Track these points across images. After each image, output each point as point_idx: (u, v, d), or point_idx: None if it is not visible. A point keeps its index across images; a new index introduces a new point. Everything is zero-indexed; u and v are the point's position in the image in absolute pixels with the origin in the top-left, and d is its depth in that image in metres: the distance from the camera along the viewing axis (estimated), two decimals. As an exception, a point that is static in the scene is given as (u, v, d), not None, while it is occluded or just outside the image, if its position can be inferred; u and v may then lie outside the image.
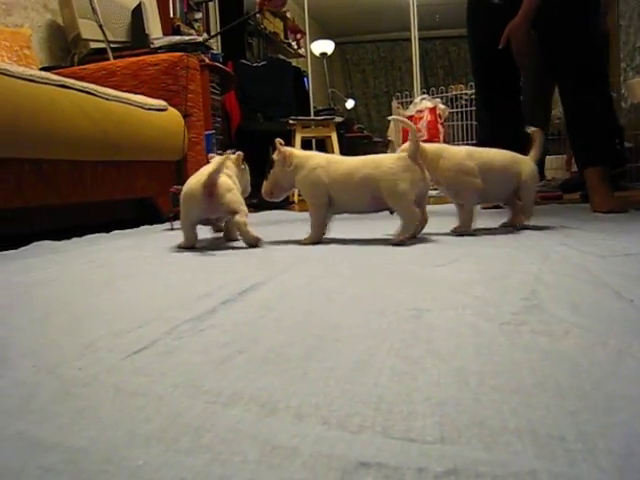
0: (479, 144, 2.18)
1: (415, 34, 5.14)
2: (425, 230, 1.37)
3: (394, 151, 4.76)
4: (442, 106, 3.78)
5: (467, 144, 4.18)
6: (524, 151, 1.48)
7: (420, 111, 3.75)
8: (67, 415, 0.41)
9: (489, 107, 2.18)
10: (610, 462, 0.31)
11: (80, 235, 1.66)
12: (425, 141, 3.65)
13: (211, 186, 1.26)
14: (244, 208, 1.31)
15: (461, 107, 4.22)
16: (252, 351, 0.53)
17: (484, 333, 0.56)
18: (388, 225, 1.39)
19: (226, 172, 1.34)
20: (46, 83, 1.60)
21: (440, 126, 3.71)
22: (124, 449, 0.35)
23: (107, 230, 1.79)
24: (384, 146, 6.58)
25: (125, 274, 1.03)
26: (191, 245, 1.35)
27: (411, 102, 4.02)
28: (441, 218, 1.60)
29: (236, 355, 0.52)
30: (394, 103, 4.39)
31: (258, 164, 2.03)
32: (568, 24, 1.87)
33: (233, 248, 1.33)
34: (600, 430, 0.35)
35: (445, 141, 3.80)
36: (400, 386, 0.43)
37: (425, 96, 3.93)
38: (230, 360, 0.51)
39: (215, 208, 1.30)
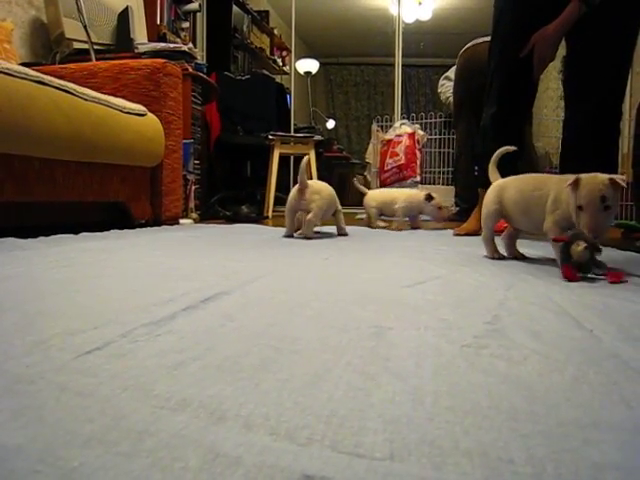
0: (476, 159, 2.12)
1: (399, 60, 5.23)
2: (395, 253, 1.38)
3: (370, 173, 4.79)
4: (421, 132, 3.82)
5: (441, 171, 4.28)
6: (516, 171, 1.40)
7: (399, 135, 3.79)
8: (6, 412, 0.39)
9: (500, 120, 2.04)
10: (556, 486, 0.31)
11: (47, 235, 1.62)
12: (403, 165, 3.71)
13: None
14: None
15: (438, 134, 4.29)
16: (207, 359, 0.52)
17: (444, 354, 0.56)
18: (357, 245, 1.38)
19: None
20: (23, 78, 1.57)
21: (418, 152, 3.75)
22: (61, 449, 0.34)
23: (76, 232, 1.75)
24: (362, 168, 6.64)
25: (88, 275, 1.00)
26: None
27: (391, 126, 4.05)
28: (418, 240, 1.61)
29: (190, 362, 0.51)
30: (374, 126, 4.42)
31: (234, 176, 2.02)
32: (607, 48, 1.76)
33: (206, 256, 1.31)
34: (550, 455, 0.35)
35: (421, 166, 3.84)
36: (354, 401, 0.43)
37: (405, 121, 3.97)
38: (184, 366, 0.50)
39: None
